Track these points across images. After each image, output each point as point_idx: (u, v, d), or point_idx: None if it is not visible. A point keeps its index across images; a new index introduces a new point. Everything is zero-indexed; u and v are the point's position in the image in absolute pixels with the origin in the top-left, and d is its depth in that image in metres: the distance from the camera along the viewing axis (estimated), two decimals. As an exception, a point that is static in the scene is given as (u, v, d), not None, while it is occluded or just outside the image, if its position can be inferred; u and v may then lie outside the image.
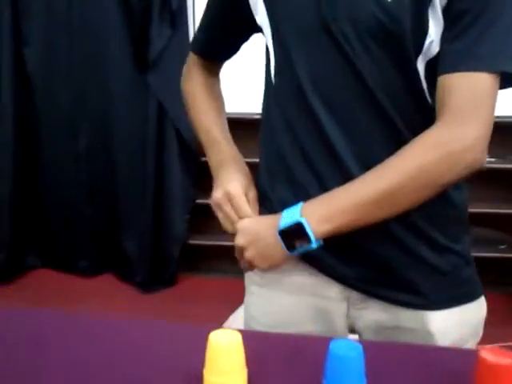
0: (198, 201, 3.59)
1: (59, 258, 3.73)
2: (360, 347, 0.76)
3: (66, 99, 3.51)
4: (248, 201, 1.03)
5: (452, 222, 1.03)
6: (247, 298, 1.16)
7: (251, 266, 1.00)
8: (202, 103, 1.19)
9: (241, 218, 1.01)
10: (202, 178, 3.57)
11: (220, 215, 1.04)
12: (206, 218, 3.75)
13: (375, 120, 0.95)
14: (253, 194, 1.06)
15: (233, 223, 1.01)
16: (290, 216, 0.93)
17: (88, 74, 3.46)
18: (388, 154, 0.93)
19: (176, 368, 0.86)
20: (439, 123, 0.90)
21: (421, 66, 0.93)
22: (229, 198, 1.02)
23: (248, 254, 0.97)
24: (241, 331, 0.80)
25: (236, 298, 3.35)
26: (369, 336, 1.06)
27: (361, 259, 1.01)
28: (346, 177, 0.96)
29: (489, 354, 0.75)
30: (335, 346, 0.76)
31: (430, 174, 0.88)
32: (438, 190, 0.91)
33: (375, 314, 1.05)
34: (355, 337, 1.11)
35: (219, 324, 2.06)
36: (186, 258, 3.66)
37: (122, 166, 3.54)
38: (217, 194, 1.04)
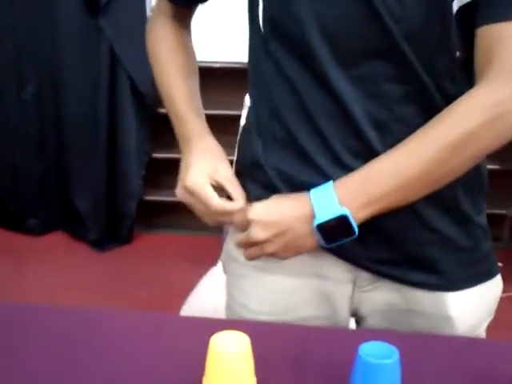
0: (155, 155, 3.41)
1: (6, 216, 3.52)
2: (397, 352, 0.63)
3: (10, 45, 3.23)
4: (219, 183, 0.89)
5: (475, 189, 0.91)
6: (233, 282, 1.01)
7: (268, 256, 0.84)
8: (167, 64, 1.00)
9: (212, 210, 0.87)
10: (159, 130, 3.40)
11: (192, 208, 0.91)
12: (162, 173, 3.64)
13: (396, 75, 0.80)
14: (224, 172, 0.90)
15: (208, 217, 0.89)
16: (328, 206, 0.78)
17: (34, 17, 3.19)
18: (409, 114, 0.81)
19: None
20: (485, 81, 0.75)
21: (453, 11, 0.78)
22: (190, 193, 0.88)
23: (271, 248, 0.82)
24: (239, 323, 0.66)
25: (194, 255, 3.29)
26: (374, 321, 0.95)
27: (372, 235, 0.87)
28: (358, 141, 0.83)
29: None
30: (366, 351, 0.63)
31: (478, 141, 0.75)
32: (482, 158, 0.78)
33: (384, 297, 0.93)
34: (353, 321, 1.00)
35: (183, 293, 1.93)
36: (142, 214, 3.51)
37: (73, 117, 3.31)
38: (177, 190, 0.92)
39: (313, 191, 0.80)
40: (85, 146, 3.32)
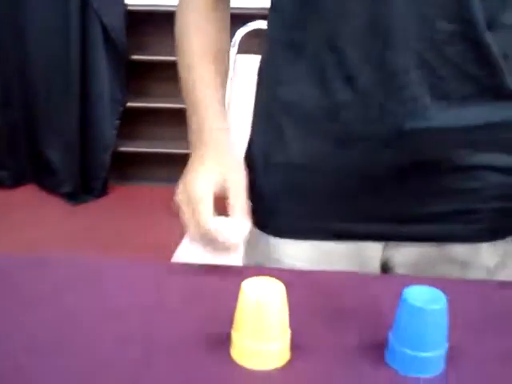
0: (129, 104, 3.30)
1: (-27, 169, 3.39)
2: (444, 296, 0.58)
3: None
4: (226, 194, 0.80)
5: None
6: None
7: None
8: (196, 53, 0.90)
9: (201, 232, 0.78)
10: (132, 79, 3.29)
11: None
12: (137, 123, 3.53)
13: (449, 12, 0.74)
14: (236, 185, 0.80)
15: (194, 232, 0.79)
16: None
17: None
18: (457, 54, 0.75)
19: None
20: None
21: None
22: (189, 199, 0.79)
23: None
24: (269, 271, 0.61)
25: (171, 207, 3.21)
26: (404, 271, 0.89)
27: (418, 192, 0.84)
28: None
29: None
30: (411, 295, 0.58)
31: None
32: None
33: (418, 250, 0.88)
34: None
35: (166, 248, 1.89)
36: (117, 166, 3.41)
37: (42, 65, 3.16)
38: (179, 191, 0.82)
39: None
40: (55, 96, 3.18)
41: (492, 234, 0.87)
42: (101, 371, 0.59)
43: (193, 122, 0.87)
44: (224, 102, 0.90)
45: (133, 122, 3.41)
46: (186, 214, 0.79)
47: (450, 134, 0.79)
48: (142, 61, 3.23)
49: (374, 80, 0.76)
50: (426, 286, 0.60)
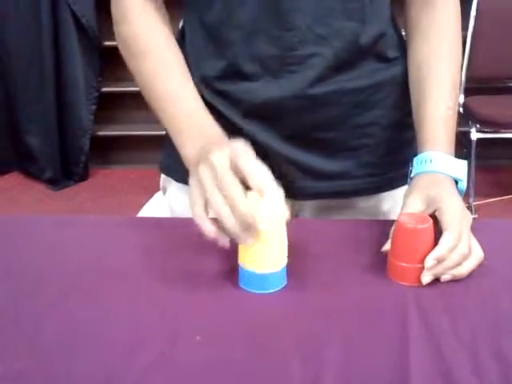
0: (104, 89, 3.39)
1: (-43, 160, 3.48)
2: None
3: None
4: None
5: (404, 96, 0.94)
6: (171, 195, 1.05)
7: None
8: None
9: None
10: (107, 65, 3.37)
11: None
12: (113, 108, 3.61)
13: None
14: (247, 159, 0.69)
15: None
16: (462, 182, 0.81)
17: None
18: (346, 29, 0.85)
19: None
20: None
21: None
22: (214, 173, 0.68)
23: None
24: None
25: (150, 188, 3.27)
26: (311, 216, 1.00)
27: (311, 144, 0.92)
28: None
29: (407, 218, 0.71)
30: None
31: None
32: None
33: (325, 201, 0.98)
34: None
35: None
36: (96, 150, 3.51)
37: (17, 54, 3.25)
38: (201, 173, 0.69)
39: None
40: (32, 85, 3.26)
41: (389, 184, 0.97)
42: None
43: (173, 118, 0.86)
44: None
45: (110, 107, 3.50)
46: (213, 197, 0.67)
47: (343, 97, 0.89)
48: (116, 46, 3.29)
49: (276, 56, 0.85)
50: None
